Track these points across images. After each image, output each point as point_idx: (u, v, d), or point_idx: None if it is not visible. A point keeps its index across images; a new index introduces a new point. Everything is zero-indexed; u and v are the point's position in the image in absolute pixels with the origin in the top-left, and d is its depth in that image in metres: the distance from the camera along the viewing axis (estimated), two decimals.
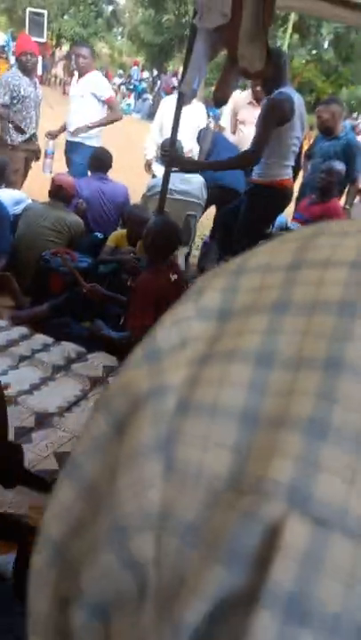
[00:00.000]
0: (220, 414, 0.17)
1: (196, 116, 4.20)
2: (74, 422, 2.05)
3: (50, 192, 3.40)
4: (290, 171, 3.18)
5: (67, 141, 4.46)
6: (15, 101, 4.15)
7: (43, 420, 2.05)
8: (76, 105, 4.31)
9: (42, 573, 0.20)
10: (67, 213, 3.35)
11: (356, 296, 0.17)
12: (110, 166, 3.84)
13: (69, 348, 2.52)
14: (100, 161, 3.79)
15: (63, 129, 4.46)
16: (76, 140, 4.30)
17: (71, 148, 4.38)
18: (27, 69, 4.21)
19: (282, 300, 0.18)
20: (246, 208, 3.22)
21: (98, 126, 4.30)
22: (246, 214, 3.21)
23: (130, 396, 0.20)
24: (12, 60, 13.97)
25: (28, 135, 4.23)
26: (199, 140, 4.08)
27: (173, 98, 4.53)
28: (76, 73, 4.47)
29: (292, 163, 3.15)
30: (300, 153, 3.49)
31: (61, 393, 2.22)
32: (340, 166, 3.73)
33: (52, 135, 4.48)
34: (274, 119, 2.82)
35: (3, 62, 16.14)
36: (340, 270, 0.18)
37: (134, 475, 0.18)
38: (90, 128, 4.24)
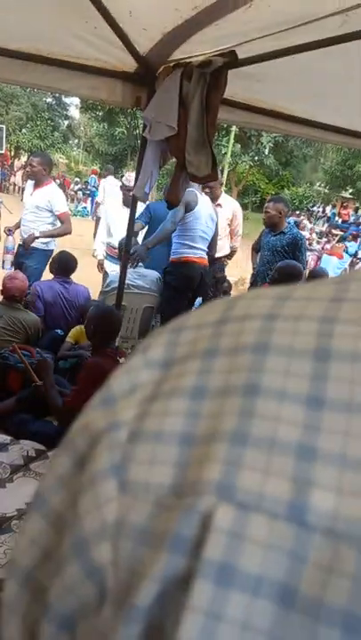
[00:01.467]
0: (164, 438, 0.21)
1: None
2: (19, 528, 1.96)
3: (2, 292, 3.42)
4: (198, 252, 3.92)
5: (19, 246, 4.55)
6: None
7: (1, 524, 1.95)
8: (31, 215, 4.42)
9: (12, 603, 0.22)
10: (22, 312, 3.38)
11: (266, 338, 0.22)
12: (74, 270, 3.92)
13: (28, 446, 2.46)
14: (64, 265, 3.87)
15: (18, 226, 4.57)
16: (31, 245, 4.40)
17: (24, 252, 4.46)
18: None
19: (211, 347, 0.23)
20: (164, 283, 3.92)
21: (46, 237, 4.42)
22: (165, 288, 3.92)
23: (89, 435, 0.23)
24: None
25: None
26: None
27: (110, 200, 4.83)
28: (30, 181, 4.58)
29: (200, 246, 3.92)
30: (213, 243, 4.19)
31: (21, 494, 2.13)
32: (292, 266, 3.71)
33: (11, 230, 4.56)
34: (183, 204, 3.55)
35: None
36: (255, 321, 0.23)
37: (92, 495, 0.21)
38: (36, 238, 4.36)
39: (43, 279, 4.10)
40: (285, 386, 0.20)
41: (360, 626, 0.16)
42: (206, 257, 4.01)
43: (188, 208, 3.69)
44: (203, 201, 3.85)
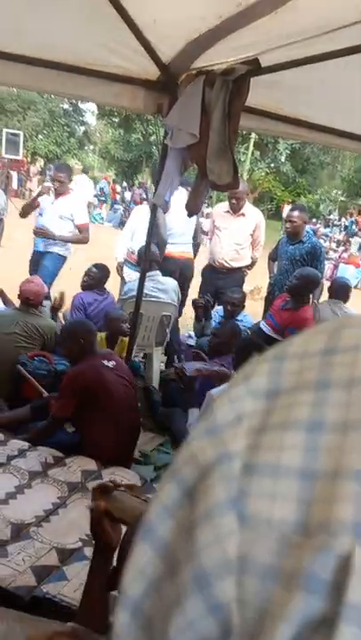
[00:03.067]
0: (283, 472, 0.20)
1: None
2: (52, 532, 1.95)
3: (19, 297, 3.42)
4: (179, 247, 4.29)
5: (35, 251, 4.68)
6: None
7: (19, 531, 1.95)
8: (52, 222, 4.55)
9: (124, 633, 0.22)
10: (38, 318, 3.38)
11: None
12: (106, 279, 4.02)
13: (46, 452, 2.46)
14: (96, 277, 3.97)
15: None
16: (49, 250, 4.56)
17: (42, 255, 4.61)
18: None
19: (322, 379, 0.22)
20: None
21: (63, 240, 4.55)
22: None
23: (197, 465, 0.23)
24: None
25: None
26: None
27: (143, 207, 4.85)
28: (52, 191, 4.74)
29: (179, 241, 4.28)
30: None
31: (38, 501, 2.12)
32: (313, 273, 3.77)
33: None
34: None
35: None
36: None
37: (211, 529, 0.21)
38: (54, 239, 4.51)
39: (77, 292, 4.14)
40: None
41: None
42: (190, 251, 4.31)
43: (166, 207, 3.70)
44: (183, 197, 3.96)
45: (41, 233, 4.50)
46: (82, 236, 4.65)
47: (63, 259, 4.61)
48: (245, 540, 0.20)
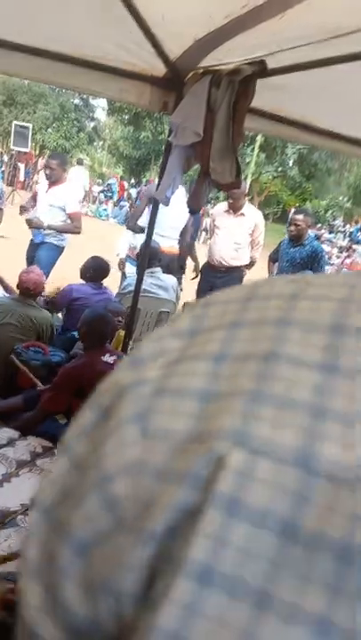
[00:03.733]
0: (185, 394, 0.23)
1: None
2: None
3: (18, 287, 3.43)
4: (167, 241, 4.36)
5: (32, 242, 4.68)
6: None
7: (4, 518, 1.96)
8: (44, 212, 4.55)
9: (35, 531, 0.25)
10: (34, 309, 3.36)
11: (288, 314, 0.24)
12: (106, 275, 3.98)
13: (35, 442, 2.47)
14: (96, 271, 3.92)
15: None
16: (45, 240, 4.55)
17: (38, 246, 4.60)
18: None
19: (236, 320, 0.25)
20: None
21: (55, 230, 4.52)
22: None
23: (116, 389, 0.26)
24: None
25: None
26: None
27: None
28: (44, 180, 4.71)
29: (169, 235, 4.40)
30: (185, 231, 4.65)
31: (26, 490, 2.14)
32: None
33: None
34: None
35: None
36: (279, 299, 0.25)
37: (116, 438, 0.23)
38: (45, 228, 4.50)
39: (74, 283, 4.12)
40: (302, 354, 0.22)
41: (351, 556, 0.18)
42: (176, 247, 4.50)
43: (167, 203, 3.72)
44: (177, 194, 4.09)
45: (34, 223, 4.47)
46: (72, 226, 4.58)
47: (59, 249, 4.59)
48: (145, 447, 0.22)
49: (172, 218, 4.24)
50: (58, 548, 0.24)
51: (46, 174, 4.60)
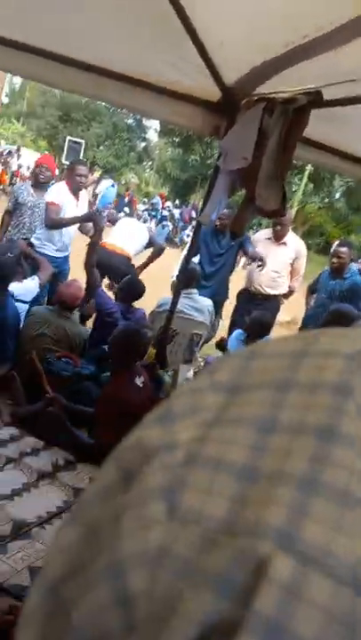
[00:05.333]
0: (223, 468, 0.19)
1: None
2: (53, 536, 1.94)
3: (56, 299, 3.43)
4: None
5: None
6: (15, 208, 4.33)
7: (20, 530, 1.94)
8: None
9: (33, 613, 0.21)
10: (69, 322, 3.36)
11: (349, 379, 0.20)
12: (138, 297, 3.78)
13: (59, 454, 2.46)
14: (127, 292, 3.76)
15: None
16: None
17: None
18: (37, 180, 4.38)
19: (286, 379, 0.21)
20: None
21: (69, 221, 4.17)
22: None
23: (141, 450, 0.22)
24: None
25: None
26: None
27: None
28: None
29: None
30: None
31: (43, 502, 2.12)
32: (346, 309, 3.57)
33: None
34: None
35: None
36: (339, 359, 0.21)
37: (138, 515, 0.19)
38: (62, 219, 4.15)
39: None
40: None
41: None
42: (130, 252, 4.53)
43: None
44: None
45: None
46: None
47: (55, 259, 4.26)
48: (170, 531, 0.18)
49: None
50: (58, 636, 0.19)
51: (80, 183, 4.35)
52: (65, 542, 0.21)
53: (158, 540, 0.18)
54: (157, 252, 4.78)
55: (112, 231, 4.95)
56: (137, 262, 4.76)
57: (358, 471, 0.18)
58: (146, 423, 0.23)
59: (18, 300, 3.37)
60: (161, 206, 21.33)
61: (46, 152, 20.15)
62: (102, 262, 3.86)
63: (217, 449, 0.20)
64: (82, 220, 4.04)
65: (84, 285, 3.55)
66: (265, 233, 4.71)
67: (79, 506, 0.22)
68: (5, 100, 27.42)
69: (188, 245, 3.20)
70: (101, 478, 0.22)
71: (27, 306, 3.49)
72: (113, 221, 4.38)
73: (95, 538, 0.20)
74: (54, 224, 4.07)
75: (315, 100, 2.37)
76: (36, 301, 3.64)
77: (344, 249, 4.29)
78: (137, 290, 3.77)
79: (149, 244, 4.83)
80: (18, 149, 20.84)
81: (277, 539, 0.17)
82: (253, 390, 0.21)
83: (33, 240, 4.16)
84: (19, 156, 20.11)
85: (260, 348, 0.24)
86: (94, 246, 3.59)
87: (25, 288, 3.53)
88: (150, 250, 4.86)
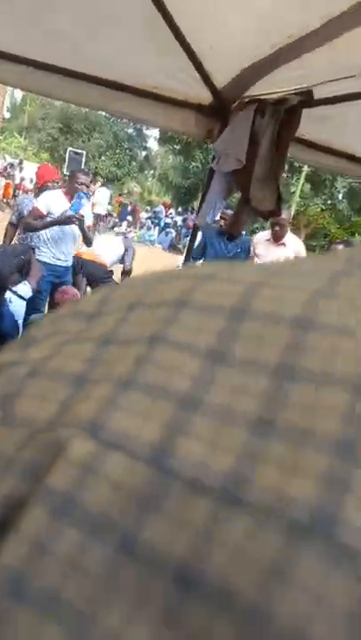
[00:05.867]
0: (59, 377, 0.20)
1: None
2: None
3: (54, 306, 3.50)
4: None
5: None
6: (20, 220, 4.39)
7: None
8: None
9: None
10: None
11: (187, 295, 0.21)
12: None
13: None
14: None
15: None
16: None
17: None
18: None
19: (135, 301, 0.22)
20: None
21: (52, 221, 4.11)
22: None
23: None
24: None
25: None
26: None
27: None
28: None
29: None
30: None
31: None
32: None
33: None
34: None
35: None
36: (185, 280, 0.22)
37: None
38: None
39: None
40: (191, 339, 0.19)
41: (192, 580, 0.14)
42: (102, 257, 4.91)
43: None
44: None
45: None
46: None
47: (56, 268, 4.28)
48: (1, 435, 0.19)
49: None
50: None
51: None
52: None
53: None
54: (125, 273, 5.41)
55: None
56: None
57: (177, 369, 0.18)
58: (10, 346, 0.24)
59: (18, 296, 3.43)
60: (164, 214, 21.43)
61: (49, 163, 20.31)
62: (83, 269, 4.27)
63: (60, 362, 0.21)
64: (61, 223, 4.04)
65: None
66: (265, 234, 4.71)
67: None
68: (7, 115, 27.70)
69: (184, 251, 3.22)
70: None
71: (24, 302, 3.55)
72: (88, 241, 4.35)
73: None
74: (29, 227, 4.10)
75: (306, 99, 2.38)
76: (35, 309, 3.68)
77: (340, 247, 4.30)
78: None
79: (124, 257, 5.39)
80: (20, 162, 21.06)
81: (82, 427, 0.17)
82: (107, 315, 0.22)
83: (36, 249, 4.18)
84: (21, 169, 20.33)
85: (125, 281, 0.25)
86: None
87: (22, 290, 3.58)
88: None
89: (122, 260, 5.38)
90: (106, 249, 5.10)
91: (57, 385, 0.20)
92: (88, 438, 0.17)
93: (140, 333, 0.20)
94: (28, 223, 4.08)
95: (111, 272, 5.13)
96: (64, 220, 3.98)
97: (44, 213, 4.05)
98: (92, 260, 4.87)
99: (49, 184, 4.60)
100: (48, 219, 4.03)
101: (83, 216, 4.05)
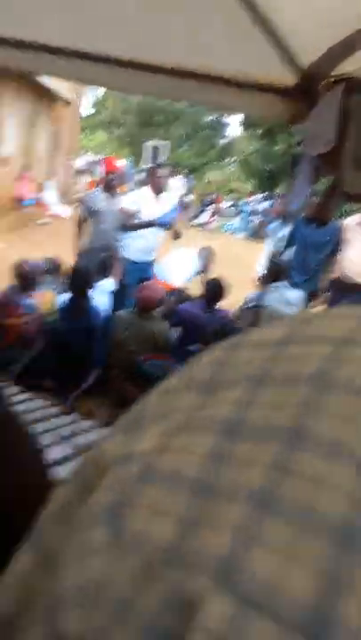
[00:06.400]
0: (176, 483, 0.16)
1: None
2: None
3: (136, 301, 3.57)
4: None
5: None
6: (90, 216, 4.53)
7: None
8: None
9: None
10: (151, 322, 3.47)
11: (333, 369, 0.16)
12: (218, 299, 3.90)
13: None
14: (208, 292, 3.91)
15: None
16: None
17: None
18: (108, 186, 4.65)
19: (260, 373, 0.17)
20: None
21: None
22: None
23: (99, 461, 0.19)
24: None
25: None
26: None
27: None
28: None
29: None
30: None
31: None
32: None
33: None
34: None
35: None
36: (325, 345, 0.17)
37: (81, 541, 0.16)
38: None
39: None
40: (342, 439, 0.14)
41: None
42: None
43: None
44: None
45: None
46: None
47: (139, 264, 4.49)
48: (110, 562, 0.15)
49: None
50: None
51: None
52: (19, 569, 0.18)
53: (97, 572, 0.15)
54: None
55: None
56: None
57: (326, 486, 0.13)
58: (112, 432, 0.20)
59: (102, 291, 3.57)
60: (246, 202, 21.13)
61: (130, 158, 20.67)
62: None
63: (174, 460, 0.16)
64: (145, 226, 4.21)
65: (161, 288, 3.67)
66: (356, 218, 4.51)
67: (34, 529, 0.19)
68: (92, 111, 28.47)
69: (268, 239, 3.14)
70: (60, 495, 0.19)
71: (108, 297, 3.69)
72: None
73: (49, 563, 0.17)
74: (124, 229, 4.29)
75: None
76: (121, 304, 3.80)
77: None
78: (216, 291, 3.87)
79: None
80: (104, 159, 21.60)
81: (215, 574, 0.13)
82: (228, 388, 0.18)
83: (117, 245, 4.35)
84: (102, 165, 20.83)
85: (245, 337, 0.20)
86: None
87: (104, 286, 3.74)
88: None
89: (200, 272, 5.09)
90: (175, 268, 4.90)
91: (173, 494, 0.16)
92: (224, 593, 0.13)
93: (278, 423, 0.15)
94: (122, 226, 4.23)
95: (181, 290, 4.80)
96: (146, 225, 4.17)
97: (134, 212, 4.21)
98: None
99: (110, 176, 4.75)
100: (136, 219, 4.22)
101: (172, 226, 4.25)
